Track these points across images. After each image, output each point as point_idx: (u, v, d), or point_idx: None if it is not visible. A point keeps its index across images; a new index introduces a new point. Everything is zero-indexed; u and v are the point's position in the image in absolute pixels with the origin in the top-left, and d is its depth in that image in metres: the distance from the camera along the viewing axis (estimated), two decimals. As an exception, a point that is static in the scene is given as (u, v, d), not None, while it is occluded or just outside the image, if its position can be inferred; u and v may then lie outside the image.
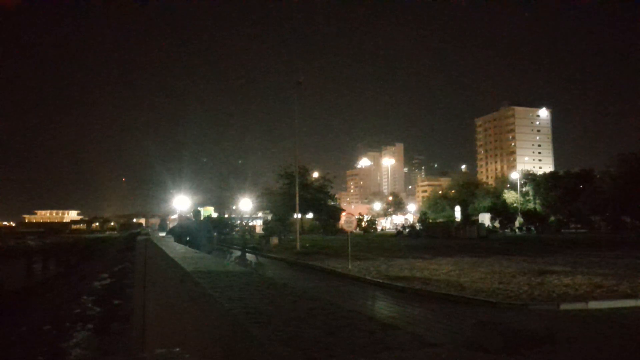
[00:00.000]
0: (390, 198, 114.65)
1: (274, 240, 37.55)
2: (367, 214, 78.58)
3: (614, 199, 50.75)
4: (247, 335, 2.54)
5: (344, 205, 68.59)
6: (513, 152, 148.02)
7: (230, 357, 2.55)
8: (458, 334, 5.94)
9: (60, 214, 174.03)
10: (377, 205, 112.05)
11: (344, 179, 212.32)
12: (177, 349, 2.47)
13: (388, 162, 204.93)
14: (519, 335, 2.44)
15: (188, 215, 17.98)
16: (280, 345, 2.25)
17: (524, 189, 68.65)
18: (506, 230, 57.62)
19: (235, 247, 32.17)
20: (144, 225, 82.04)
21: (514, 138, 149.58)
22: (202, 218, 12.52)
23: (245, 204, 56.05)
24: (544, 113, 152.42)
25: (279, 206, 40.57)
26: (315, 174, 45.50)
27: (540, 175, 70.89)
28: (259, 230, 56.60)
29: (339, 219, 28.41)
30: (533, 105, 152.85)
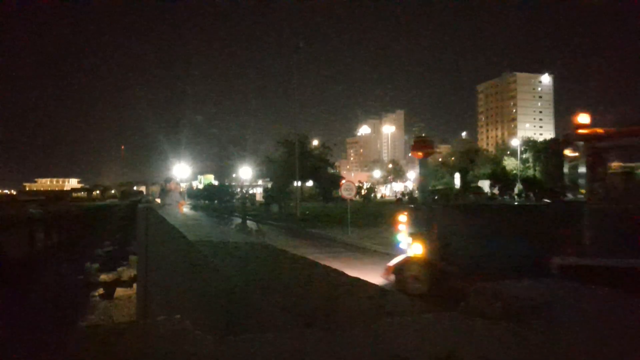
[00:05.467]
0: (390, 166, 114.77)
1: (274, 208, 37.81)
2: (367, 182, 78.85)
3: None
4: (247, 302, 2.60)
5: (344, 173, 68.77)
6: (514, 119, 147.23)
7: (231, 324, 2.61)
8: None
9: (60, 182, 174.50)
10: (377, 173, 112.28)
11: (344, 146, 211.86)
12: (178, 316, 2.53)
13: (388, 129, 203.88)
14: (517, 301, 2.50)
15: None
16: (280, 312, 2.30)
17: (524, 156, 68.64)
18: (505, 197, 57.96)
19: (235, 214, 32.41)
20: (144, 192, 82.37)
21: (515, 105, 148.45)
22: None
23: (245, 172, 56.17)
24: (546, 79, 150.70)
25: (278, 174, 40.65)
26: (315, 142, 45.38)
27: (540, 142, 70.68)
28: (259, 198, 56.92)
29: (338, 186, 28.49)
30: (535, 71, 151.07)
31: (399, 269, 7.87)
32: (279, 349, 1.96)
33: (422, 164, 9.48)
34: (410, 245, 8.15)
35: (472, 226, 7.81)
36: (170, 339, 2.35)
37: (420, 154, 9.15)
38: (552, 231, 6.92)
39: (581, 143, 7.06)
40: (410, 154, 9.51)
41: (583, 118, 6.96)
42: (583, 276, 6.14)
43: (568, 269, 6.46)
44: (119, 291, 13.90)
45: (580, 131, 7.11)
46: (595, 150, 6.87)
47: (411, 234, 8.25)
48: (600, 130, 6.88)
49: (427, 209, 8.99)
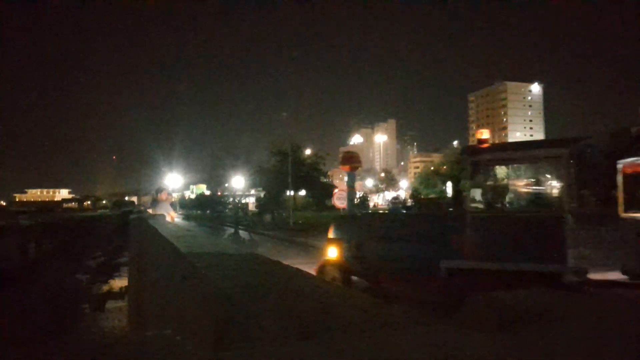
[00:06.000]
0: (383, 174, 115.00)
1: (267, 217, 37.68)
2: (359, 191, 78.88)
3: (604, 174, 51.31)
4: (240, 314, 2.56)
5: (336, 182, 68.80)
6: (505, 128, 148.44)
7: (224, 336, 2.57)
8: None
9: (51, 193, 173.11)
10: (370, 182, 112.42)
11: (336, 155, 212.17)
12: (168, 330, 2.50)
13: (380, 138, 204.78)
14: (512, 312, 2.48)
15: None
16: (274, 324, 2.27)
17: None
18: (497, 205, 58.09)
19: (228, 224, 32.25)
20: (136, 203, 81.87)
21: (505, 113, 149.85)
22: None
23: (237, 182, 55.99)
24: (535, 88, 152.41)
25: (271, 183, 40.59)
26: (308, 151, 45.42)
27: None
28: (252, 207, 56.71)
29: (331, 195, 28.50)
30: (525, 80, 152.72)
31: (320, 272, 8.48)
32: (273, 363, 1.94)
33: (350, 176, 10.37)
34: (327, 250, 8.96)
35: (380, 232, 8.61)
36: (161, 355, 2.32)
37: (347, 167, 10.19)
38: (445, 237, 7.58)
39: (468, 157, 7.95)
40: (340, 167, 10.98)
41: (483, 134, 7.82)
42: (466, 278, 6.95)
43: (454, 271, 7.18)
44: (111, 303, 13.75)
45: (470, 145, 8.05)
46: (474, 162, 7.79)
47: (328, 240, 9.07)
48: (482, 145, 7.65)
49: (349, 217, 10.00)
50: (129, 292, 12.99)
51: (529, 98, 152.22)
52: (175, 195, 72.94)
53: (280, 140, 41.27)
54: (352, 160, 10.32)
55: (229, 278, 3.91)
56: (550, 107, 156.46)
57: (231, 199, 64.82)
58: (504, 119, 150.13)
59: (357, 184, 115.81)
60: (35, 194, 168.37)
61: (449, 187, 64.05)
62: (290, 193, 37.55)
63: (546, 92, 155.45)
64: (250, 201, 66.00)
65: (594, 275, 7.11)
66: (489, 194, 8.59)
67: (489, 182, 8.44)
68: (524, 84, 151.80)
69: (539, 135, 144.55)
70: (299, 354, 1.88)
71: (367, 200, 71.46)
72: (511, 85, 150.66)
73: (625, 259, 7.43)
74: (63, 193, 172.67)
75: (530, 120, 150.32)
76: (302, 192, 48.58)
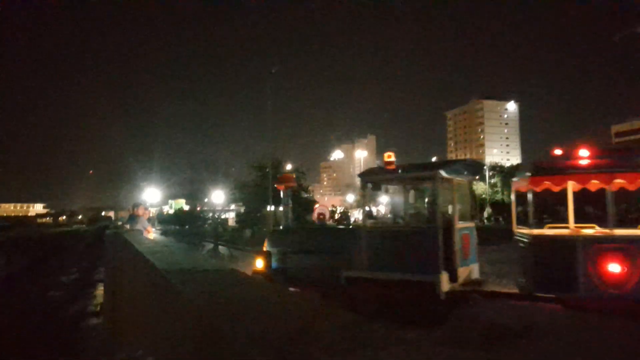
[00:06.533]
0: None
1: (247, 232, 37.32)
2: (340, 206, 78.90)
3: (578, 190, 52.31)
4: (216, 334, 2.47)
5: (317, 197, 68.67)
6: (482, 145, 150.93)
7: (197, 357, 2.48)
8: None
9: (25, 208, 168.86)
10: (351, 197, 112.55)
11: (317, 170, 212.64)
12: (140, 352, 2.39)
13: (361, 154, 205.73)
14: (496, 329, 2.46)
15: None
16: (251, 345, 2.19)
17: (492, 181, 70.08)
18: (475, 221, 58.66)
19: (207, 240, 31.81)
20: (113, 218, 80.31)
21: (482, 131, 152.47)
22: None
23: (217, 197, 55.43)
24: (512, 106, 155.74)
25: (251, 198, 40.30)
26: (289, 166, 45.31)
27: (507, 167, 72.45)
28: (231, 222, 56.11)
29: (312, 210, 28.43)
30: (502, 98, 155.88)
31: None
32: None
33: (285, 194, 11.35)
34: (255, 261, 9.91)
35: (299, 245, 9.36)
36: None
37: (282, 186, 11.29)
38: (345, 249, 8.33)
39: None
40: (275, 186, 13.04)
41: (389, 157, 8.63)
42: (362, 286, 7.67)
43: (352, 280, 7.94)
44: (85, 322, 13.34)
45: (366, 169, 9.36)
46: (363, 183, 8.89)
47: (255, 252, 9.75)
48: (388, 167, 8.47)
49: (280, 231, 11.11)
50: (103, 310, 12.63)
51: (505, 116, 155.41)
52: (153, 210, 71.79)
53: (261, 155, 41.17)
54: (287, 181, 11.63)
55: (206, 295, 3.79)
56: (526, 125, 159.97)
57: (210, 214, 64.08)
58: (481, 136, 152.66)
59: (338, 199, 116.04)
60: (8, 209, 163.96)
61: (427, 204, 64.50)
62: (270, 208, 37.29)
63: (522, 110, 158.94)
64: (230, 216, 65.31)
65: (491, 288, 7.56)
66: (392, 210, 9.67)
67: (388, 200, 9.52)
68: (500, 102, 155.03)
69: (516, 152, 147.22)
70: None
71: (349, 216, 71.46)
72: (488, 103, 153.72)
73: (518, 274, 7.73)
74: (38, 208, 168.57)
75: (507, 138, 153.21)
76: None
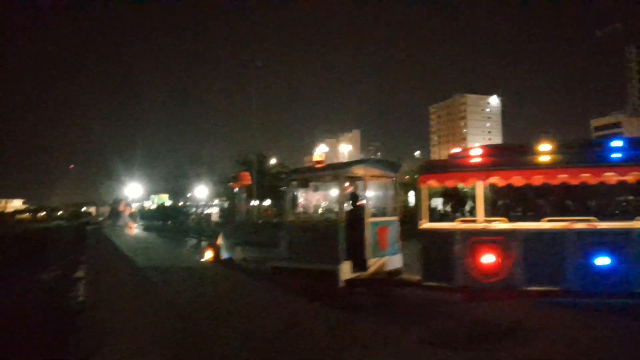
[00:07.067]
0: (347, 184, 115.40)
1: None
2: (324, 201, 78.92)
3: (558, 184, 53.12)
4: (198, 334, 2.42)
5: (302, 191, 68.52)
6: (464, 139, 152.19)
7: (178, 357, 2.42)
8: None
9: (3, 203, 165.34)
10: (335, 192, 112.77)
11: (302, 165, 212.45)
12: (116, 356, 2.32)
13: (345, 148, 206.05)
14: (482, 327, 2.47)
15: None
16: (235, 342, 2.14)
17: (475, 174, 70.58)
18: (457, 214, 59.32)
19: (191, 235, 31.51)
20: (94, 214, 79.25)
21: (465, 125, 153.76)
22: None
23: (201, 191, 54.94)
24: (494, 100, 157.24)
25: (235, 193, 40.05)
26: (273, 161, 45.10)
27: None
28: (215, 218, 55.73)
29: (296, 205, 28.33)
30: (485, 93, 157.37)
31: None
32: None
33: (239, 192, 12.30)
34: (205, 252, 11.13)
35: (243, 238, 10.33)
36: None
37: (237, 184, 12.19)
38: (273, 241, 9.14)
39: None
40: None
41: (317, 157, 9.67)
42: (284, 275, 8.40)
43: (276, 269, 8.76)
44: (62, 324, 13.09)
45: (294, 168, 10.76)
46: (289, 181, 9.88)
47: (206, 245, 11.06)
48: (317, 166, 9.31)
49: (231, 225, 12.06)
50: (83, 310, 12.42)
51: (488, 110, 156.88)
52: (135, 206, 70.97)
53: (245, 150, 40.92)
54: (242, 179, 12.43)
55: (188, 293, 3.73)
56: (508, 119, 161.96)
57: (194, 209, 63.59)
58: (464, 130, 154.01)
59: (322, 195, 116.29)
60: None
61: (410, 196, 65.01)
62: (254, 203, 37.12)
63: (504, 104, 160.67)
64: (214, 211, 64.90)
65: (406, 278, 8.25)
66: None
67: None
68: (483, 97, 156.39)
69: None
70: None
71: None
72: (471, 97, 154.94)
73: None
74: (16, 203, 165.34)
75: (489, 132, 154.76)
76: (267, 202, 48.19)
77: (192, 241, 25.27)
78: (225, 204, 49.24)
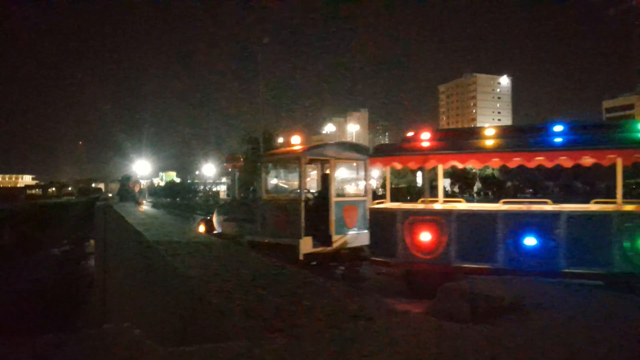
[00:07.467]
0: (355, 164, 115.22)
1: (238, 205, 37.20)
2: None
3: (566, 166, 52.68)
4: (206, 306, 2.46)
5: (308, 170, 68.37)
6: (474, 119, 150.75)
7: (187, 330, 2.47)
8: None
9: (14, 179, 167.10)
10: (343, 172, 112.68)
11: (310, 144, 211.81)
12: (127, 324, 2.37)
13: (353, 128, 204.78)
14: (486, 302, 2.50)
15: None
16: (240, 317, 2.18)
17: (483, 155, 70.03)
18: (464, 195, 59.23)
19: (198, 212, 31.74)
20: (103, 190, 79.89)
21: (475, 105, 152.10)
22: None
23: (208, 169, 55.14)
24: (504, 80, 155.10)
25: (243, 171, 40.12)
26: (281, 139, 44.97)
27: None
28: (223, 195, 56.02)
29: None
30: (495, 72, 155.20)
31: None
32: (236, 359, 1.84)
33: (232, 172, 13.44)
34: (198, 226, 11.92)
35: (230, 215, 11.08)
36: (117, 350, 2.19)
37: (230, 165, 12.81)
38: (251, 218, 9.94)
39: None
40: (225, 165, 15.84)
41: (295, 140, 10.47)
42: (258, 248, 8.79)
43: (251, 243, 9.52)
44: (75, 295, 13.38)
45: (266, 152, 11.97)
46: (264, 164, 10.51)
47: (201, 220, 12.00)
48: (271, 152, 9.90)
49: (224, 203, 12.37)
50: (95, 283, 12.68)
51: (498, 90, 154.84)
52: (144, 182, 71.48)
53: (252, 128, 40.82)
54: (234, 160, 13.28)
55: (196, 268, 3.78)
56: (519, 100, 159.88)
57: (202, 187, 63.95)
58: (474, 111, 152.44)
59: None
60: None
61: (418, 177, 64.82)
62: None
63: (515, 84, 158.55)
64: (222, 189, 65.23)
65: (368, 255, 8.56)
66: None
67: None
68: (493, 77, 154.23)
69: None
70: (266, 349, 1.79)
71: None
72: (481, 77, 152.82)
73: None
74: (26, 179, 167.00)
75: (499, 112, 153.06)
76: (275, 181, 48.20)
77: (200, 218, 25.44)
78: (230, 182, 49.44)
